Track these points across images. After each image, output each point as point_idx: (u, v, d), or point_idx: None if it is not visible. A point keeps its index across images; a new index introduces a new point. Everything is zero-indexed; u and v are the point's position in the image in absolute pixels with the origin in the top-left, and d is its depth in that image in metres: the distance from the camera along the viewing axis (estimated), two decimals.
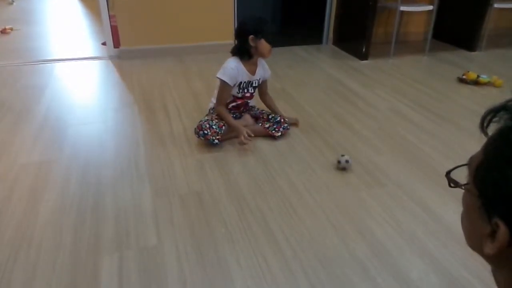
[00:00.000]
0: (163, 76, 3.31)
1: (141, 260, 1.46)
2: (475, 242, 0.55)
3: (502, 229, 0.47)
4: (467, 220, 0.57)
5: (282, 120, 2.32)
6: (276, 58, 3.72)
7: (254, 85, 2.29)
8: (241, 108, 2.35)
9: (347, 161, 2.00)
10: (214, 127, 2.16)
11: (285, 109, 2.65)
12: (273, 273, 1.41)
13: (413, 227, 1.64)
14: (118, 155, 2.14)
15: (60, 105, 2.76)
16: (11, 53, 3.93)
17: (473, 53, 4.08)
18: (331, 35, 4.29)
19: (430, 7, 3.87)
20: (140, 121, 2.52)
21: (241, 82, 2.22)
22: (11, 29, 4.70)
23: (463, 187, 0.57)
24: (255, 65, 2.25)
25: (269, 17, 4.36)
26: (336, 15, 4.18)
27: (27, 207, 1.73)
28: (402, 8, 3.72)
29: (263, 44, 2.13)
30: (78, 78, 3.30)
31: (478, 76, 3.19)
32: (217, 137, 2.16)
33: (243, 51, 2.18)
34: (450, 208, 1.75)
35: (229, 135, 2.26)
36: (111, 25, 3.68)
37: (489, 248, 0.50)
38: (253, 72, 2.24)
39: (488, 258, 0.52)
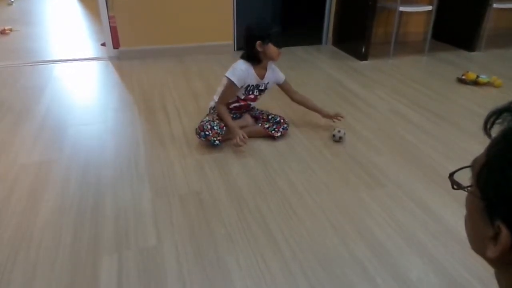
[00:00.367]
0: (163, 76, 3.31)
1: (141, 260, 1.46)
2: (478, 245, 0.54)
3: (504, 232, 0.47)
4: (470, 223, 0.56)
5: (281, 120, 2.32)
6: None
7: (260, 88, 2.28)
8: (242, 109, 2.35)
9: (341, 134, 2.22)
10: (215, 128, 2.16)
11: (284, 110, 2.66)
12: (273, 274, 1.41)
13: (412, 227, 1.64)
14: (118, 155, 2.14)
15: (60, 106, 2.76)
16: (11, 53, 3.93)
17: (472, 53, 4.09)
18: (330, 35, 4.29)
19: (430, 7, 3.87)
20: (140, 122, 2.52)
21: (248, 85, 2.22)
22: (11, 29, 4.70)
23: (466, 190, 0.56)
24: (265, 69, 2.24)
25: (268, 18, 4.37)
26: (335, 16, 4.18)
27: (27, 207, 1.73)
28: (402, 8, 3.72)
29: (271, 49, 2.12)
30: (77, 79, 3.30)
31: (477, 76, 3.19)
32: (218, 137, 2.16)
33: (252, 57, 2.17)
34: (450, 208, 1.75)
35: (229, 136, 2.26)
36: (110, 26, 3.68)
37: (492, 251, 0.49)
38: (262, 76, 2.23)
39: (491, 261, 0.52)
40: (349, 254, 1.50)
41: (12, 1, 6.44)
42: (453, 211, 1.73)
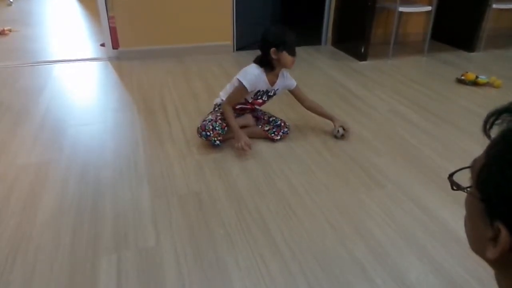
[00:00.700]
0: (163, 76, 3.31)
1: (140, 261, 1.45)
2: (478, 246, 0.54)
3: (504, 233, 0.46)
4: (469, 224, 0.56)
5: (282, 124, 2.31)
6: None
7: (270, 94, 2.27)
8: (246, 110, 2.34)
9: (342, 132, 2.28)
10: (217, 128, 2.15)
11: (284, 110, 2.66)
12: (272, 274, 1.40)
13: (412, 228, 1.64)
14: (117, 155, 2.14)
15: (59, 106, 2.75)
16: (10, 54, 3.93)
17: (472, 53, 4.09)
18: (330, 35, 4.30)
19: (429, 8, 3.88)
20: (139, 122, 2.52)
21: (258, 90, 2.21)
22: (10, 30, 4.70)
23: (465, 190, 0.56)
24: (277, 76, 2.22)
25: (268, 18, 4.37)
26: (335, 16, 4.18)
27: (26, 207, 1.73)
28: (401, 8, 3.73)
29: (285, 57, 2.09)
30: (77, 79, 3.29)
31: (477, 77, 3.19)
32: (219, 138, 2.16)
33: (265, 63, 2.15)
34: (449, 209, 1.75)
35: (230, 136, 2.26)
36: (110, 26, 3.68)
37: (491, 252, 0.49)
38: (272, 83, 2.22)
39: (490, 262, 0.52)
40: (349, 254, 1.50)
41: (12, 2, 6.44)
42: (452, 212, 1.72)
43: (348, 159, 2.14)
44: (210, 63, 3.64)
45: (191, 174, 1.98)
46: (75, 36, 4.69)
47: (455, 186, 0.60)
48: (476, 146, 2.21)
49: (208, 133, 2.14)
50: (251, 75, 2.13)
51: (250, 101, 2.27)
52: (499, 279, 0.54)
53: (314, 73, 3.51)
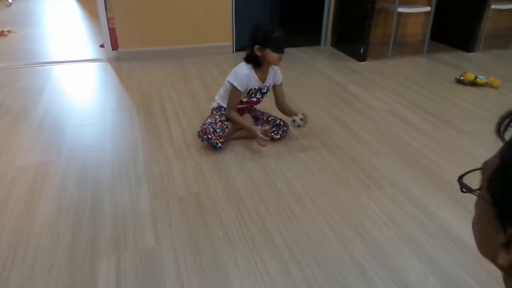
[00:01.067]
0: (162, 78, 3.31)
1: (139, 262, 1.45)
2: (487, 251, 0.52)
3: None
4: (479, 227, 0.54)
5: (281, 123, 2.32)
6: None
7: (263, 91, 2.28)
8: (244, 110, 2.34)
9: (301, 119, 2.18)
10: (217, 130, 2.15)
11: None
12: (271, 275, 1.40)
13: (411, 229, 1.64)
14: (116, 157, 2.14)
15: (59, 107, 2.75)
16: (9, 55, 3.93)
17: (470, 54, 4.10)
18: (329, 36, 4.30)
19: (428, 9, 3.88)
20: (138, 123, 2.52)
21: (250, 89, 2.22)
22: (9, 31, 4.70)
23: (476, 193, 0.53)
24: (267, 72, 2.22)
25: (267, 19, 4.37)
26: (334, 17, 4.19)
27: (25, 208, 1.72)
28: (400, 9, 3.73)
29: (269, 54, 2.09)
30: (76, 80, 3.29)
31: (476, 77, 3.19)
32: (221, 140, 2.16)
33: (252, 60, 2.16)
34: (449, 209, 1.75)
35: (231, 137, 2.26)
36: (109, 27, 3.68)
37: (504, 259, 0.47)
38: (263, 80, 2.22)
39: (501, 267, 0.50)
40: (348, 255, 1.50)
41: (11, 2, 6.44)
42: (451, 212, 1.73)
43: (346, 159, 2.15)
44: (209, 64, 3.64)
45: (190, 175, 1.98)
46: (74, 37, 4.69)
47: (465, 188, 0.57)
48: (474, 147, 2.22)
49: (210, 136, 2.14)
50: (241, 75, 2.14)
51: (245, 101, 2.27)
52: (508, 281, 0.52)
53: (314, 74, 3.51)
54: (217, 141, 2.15)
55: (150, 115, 2.63)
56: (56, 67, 3.54)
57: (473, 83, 3.20)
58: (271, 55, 2.09)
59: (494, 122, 0.51)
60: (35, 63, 3.62)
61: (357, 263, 1.46)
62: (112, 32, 3.68)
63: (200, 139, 2.18)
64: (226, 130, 2.20)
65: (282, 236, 1.58)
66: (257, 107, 2.42)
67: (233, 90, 2.17)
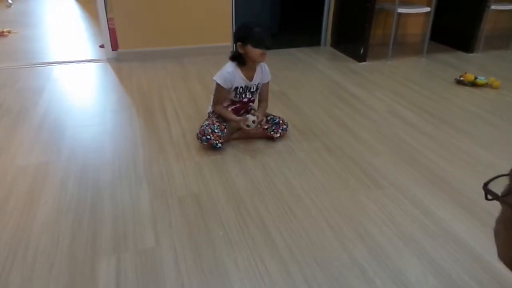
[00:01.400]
0: (162, 78, 3.31)
1: (139, 262, 1.45)
2: None
3: None
4: (506, 236, 0.51)
5: (281, 121, 2.32)
6: (275, 60, 3.73)
7: (252, 90, 2.27)
8: (240, 111, 2.34)
9: (253, 121, 2.12)
10: (216, 131, 2.16)
11: (283, 111, 2.66)
12: (271, 275, 1.40)
13: (411, 229, 1.64)
14: (116, 157, 2.14)
15: (58, 107, 2.75)
16: (9, 55, 3.93)
17: (470, 54, 4.10)
18: (329, 37, 4.30)
19: (428, 9, 3.88)
20: (138, 123, 2.52)
21: (237, 87, 2.21)
22: (9, 31, 4.70)
23: (503, 201, 0.50)
24: (253, 70, 2.22)
25: (267, 19, 4.38)
26: (334, 17, 4.19)
27: (25, 209, 1.72)
28: (400, 10, 3.73)
29: (251, 50, 2.08)
30: (76, 81, 3.29)
31: (475, 78, 3.20)
32: (220, 140, 2.16)
33: (236, 58, 2.17)
34: (448, 210, 1.75)
35: (230, 137, 2.26)
36: (109, 28, 3.68)
37: None
38: (250, 78, 2.22)
39: None
40: (348, 255, 1.50)
41: (11, 3, 6.44)
42: (451, 212, 1.72)
43: (346, 159, 2.15)
44: (209, 64, 3.64)
45: (190, 175, 1.98)
46: (74, 38, 4.70)
47: (491, 195, 0.53)
48: (475, 147, 2.22)
49: (209, 137, 2.14)
50: (225, 73, 2.16)
51: (236, 100, 2.27)
52: None
53: (313, 74, 3.51)
54: (217, 142, 2.15)
55: (150, 115, 2.63)
56: (56, 68, 3.54)
57: (473, 84, 3.20)
58: (253, 51, 2.09)
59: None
60: (35, 64, 3.62)
61: (357, 263, 1.46)
62: (112, 32, 3.69)
63: (200, 141, 2.18)
64: (225, 130, 2.20)
65: (282, 236, 1.59)
66: (254, 106, 2.42)
67: (217, 87, 2.19)
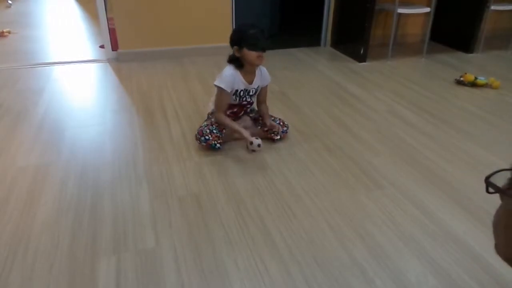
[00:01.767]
0: (162, 78, 3.32)
1: (139, 262, 1.45)
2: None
3: None
4: (506, 227, 0.50)
5: (281, 123, 2.31)
6: (274, 60, 3.73)
7: (251, 93, 2.25)
8: (239, 114, 2.33)
9: (259, 145, 2.07)
10: (214, 131, 2.15)
11: (283, 112, 2.66)
12: (271, 275, 1.40)
13: (411, 229, 1.64)
14: (116, 157, 2.14)
15: (58, 108, 2.75)
16: (9, 56, 3.93)
17: (470, 55, 4.10)
18: (329, 37, 4.30)
19: (428, 9, 3.88)
20: (138, 123, 2.52)
21: (237, 90, 2.19)
22: (9, 32, 4.70)
23: (506, 194, 0.49)
24: (253, 73, 2.19)
25: (267, 20, 4.38)
26: (334, 18, 4.19)
27: (25, 209, 1.72)
28: (400, 10, 3.74)
29: (247, 53, 2.05)
30: (76, 81, 3.29)
31: (475, 78, 3.20)
32: (219, 141, 2.16)
33: (234, 61, 2.13)
34: (449, 209, 1.75)
35: (230, 138, 2.26)
36: (109, 28, 3.68)
37: None
38: (250, 81, 2.19)
39: None
40: (348, 255, 1.50)
41: (11, 3, 6.44)
42: (451, 212, 1.72)
43: (346, 159, 2.15)
44: (209, 64, 3.64)
45: (190, 175, 1.98)
46: (74, 38, 4.70)
47: (494, 188, 0.51)
48: (475, 147, 2.22)
49: (207, 137, 2.14)
50: (226, 76, 2.11)
51: (236, 103, 2.25)
52: None
53: (313, 74, 3.51)
54: (215, 142, 2.14)
55: (150, 115, 2.63)
56: (56, 68, 3.54)
57: (473, 84, 3.20)
58: (249, 54, 2.05)
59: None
60: (35, 64, 3.62)
61: (357, 263, 1.46)
62: (112, 32, 3.69)
63: (198, 141, 2.17)
64: (224, 130, 2.20)
65: (282, 236, 1.58)
66: (255, 108, 2.41)
67: (220, 92, 2.13)
